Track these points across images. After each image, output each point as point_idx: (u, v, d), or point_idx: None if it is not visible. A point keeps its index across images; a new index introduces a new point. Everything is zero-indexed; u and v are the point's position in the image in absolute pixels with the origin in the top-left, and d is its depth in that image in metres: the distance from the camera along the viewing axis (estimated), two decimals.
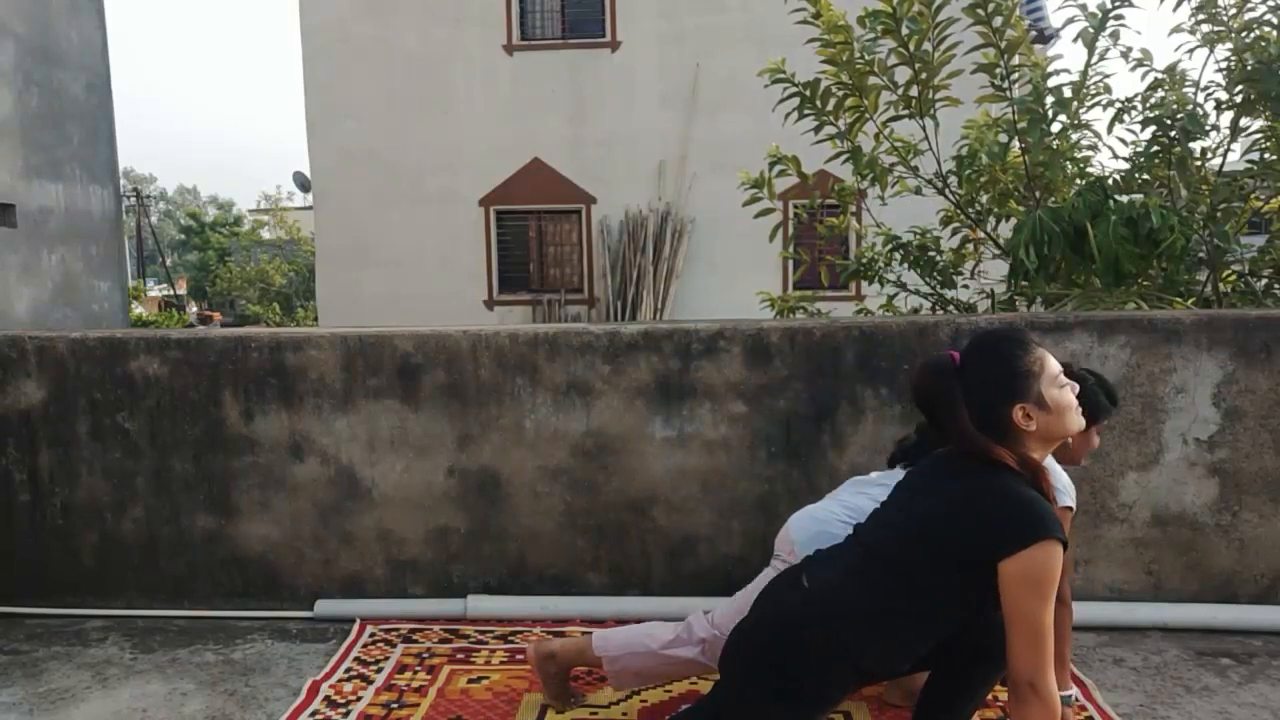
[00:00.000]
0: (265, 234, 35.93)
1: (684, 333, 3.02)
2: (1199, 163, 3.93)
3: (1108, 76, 3.89)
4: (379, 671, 2.70)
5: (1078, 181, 4.04)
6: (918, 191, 4.30)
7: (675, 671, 2.39)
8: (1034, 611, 1.74)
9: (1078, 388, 1.91)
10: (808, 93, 4.12)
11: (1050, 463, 2.12)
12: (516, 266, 13.14)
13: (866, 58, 3.96)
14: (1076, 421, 1.89)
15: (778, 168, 4.40)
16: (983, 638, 1.95)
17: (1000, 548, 1.75)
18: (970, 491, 1.84)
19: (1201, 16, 3.82)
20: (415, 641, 2.90)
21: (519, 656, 2.78)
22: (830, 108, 4.13)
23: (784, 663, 1.88)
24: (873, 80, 4.01)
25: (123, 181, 15.77)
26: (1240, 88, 3.74)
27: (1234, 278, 4.04)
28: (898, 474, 2.15)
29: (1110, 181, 3.86)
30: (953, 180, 4.22)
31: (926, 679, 2.11)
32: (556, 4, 12.81)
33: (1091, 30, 3.73)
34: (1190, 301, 3.84)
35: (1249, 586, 2.97)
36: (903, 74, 4.02)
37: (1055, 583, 1.75)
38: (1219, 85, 3.82)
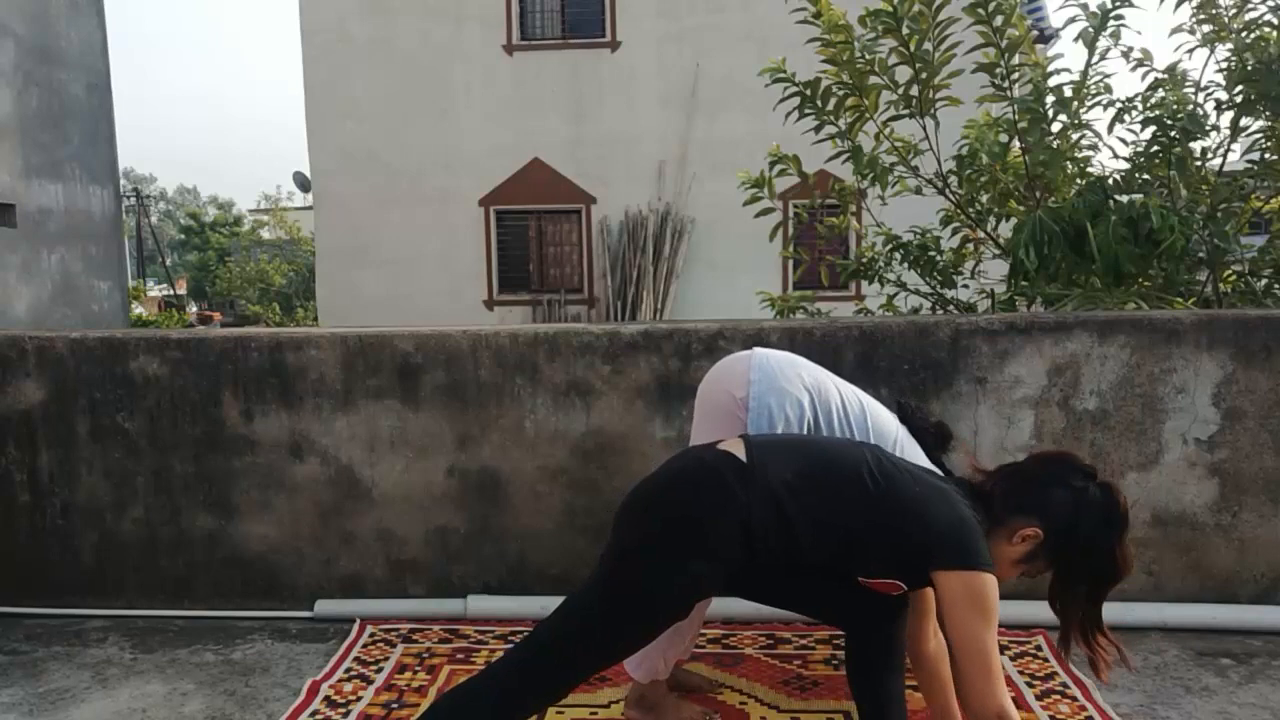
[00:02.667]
0: (265, 234, 35.92)
1: (684, 333, 3.02)
2: (1199, 163, 3.93)
3: (1108, 76, 3.89)
4: (379, 671, 2.70)
5: (1078, 181, 4.03)
6: (918, 191, 4.30)
7: (688, 630, 2.33)
8: (979, 634, 1.77)
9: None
10: (808, 92, 4.11)
11: None
12: (516, 266, 13.15)
13: (867, 57, 3.95)
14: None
15: (778, 167, 4.40)
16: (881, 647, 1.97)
17: (941, 556, 1.80)
18: (937, 495, 1.88)
19: (1201, 16, 3.82)
20: (415, 641, 2.90)
21: None
22: (830, 107, 4.13)
23: (678, 499, 1.86)
24: (873, 80, 4.00)
25: (123, 181, 15.77)
26: (1240, 88, 3.74)
27: (1234, 278, 4.04)
28: (877, 405, 2.20)
29: (1110, 181, 3.86)
30: (953, 180, 4.22)
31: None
32: (556, 4, 12.82)
33: (1092, 30, 3.73)
34: (1190, 301, 3.84)
35: (1249, 586, 2.97)
36: (903, 74, 4.02)
37: (995, 612, 1.80)
38: (1219, 85, 3.82)
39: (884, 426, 2.19)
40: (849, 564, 1.91)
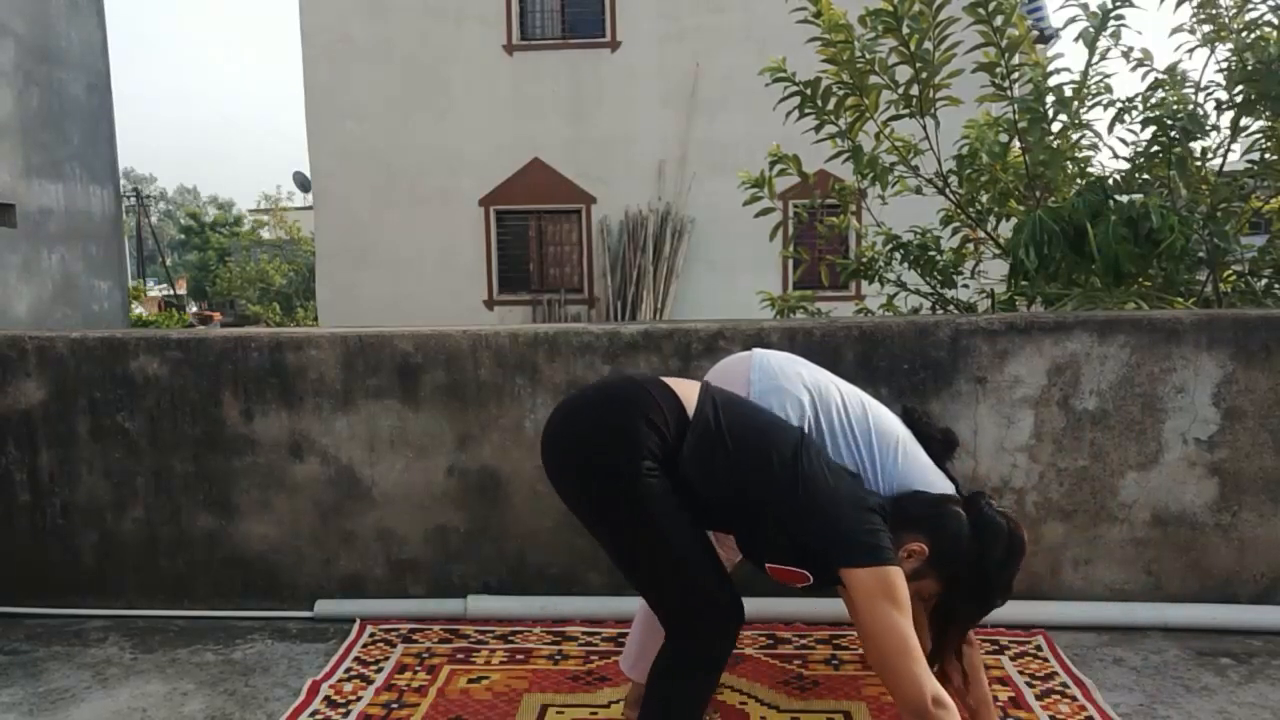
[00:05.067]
0: (265, 234, 35.90)
1: (684, 333, 3.02)
2: (1199, 163, 3.93)
3: (1108, 76, 3.89)
4: (379, 671, 2.70)
5: (1078, 181, 4.03)
6: (918, 191, 4.30)
7: None
8: (898, 624, 1.80)
9: None
10: (808, 92, 4.11)
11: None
12: (516, 266, 13.14)
13: (867, 57, 3.95)
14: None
15: (778, 167, 4.39)
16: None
17: (850, 554, 1.84)
18: (850, 496, 1.93)
19: (1201, 16, 3.81)
20: (415, 641, 2.90)
21: (519, 656, 2.78)
22: (831, 107, 4.13)
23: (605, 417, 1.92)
24: (873, 79, 4.00)
25: (123, 181, 15.77)
26: (1240, 88, 3.74)
27: (1234, 278, 4.04)
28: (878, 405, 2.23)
29: (1110, 181, 3.86)
30: (953, 180, 4.22)
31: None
32: (556, 4, 12.81)
33: (1092, 30, 3.72)
34: (1190, 301, 3.84)
35: (1249, 586, 2.97)
36: (903, 73, 4.01)
37: (908, 603, 1.83)
38: (1219, 85, 3.82)
39: (886, 428, 2.19)
40: (746, 529, 1.96)
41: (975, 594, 2.03)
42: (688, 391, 1.97)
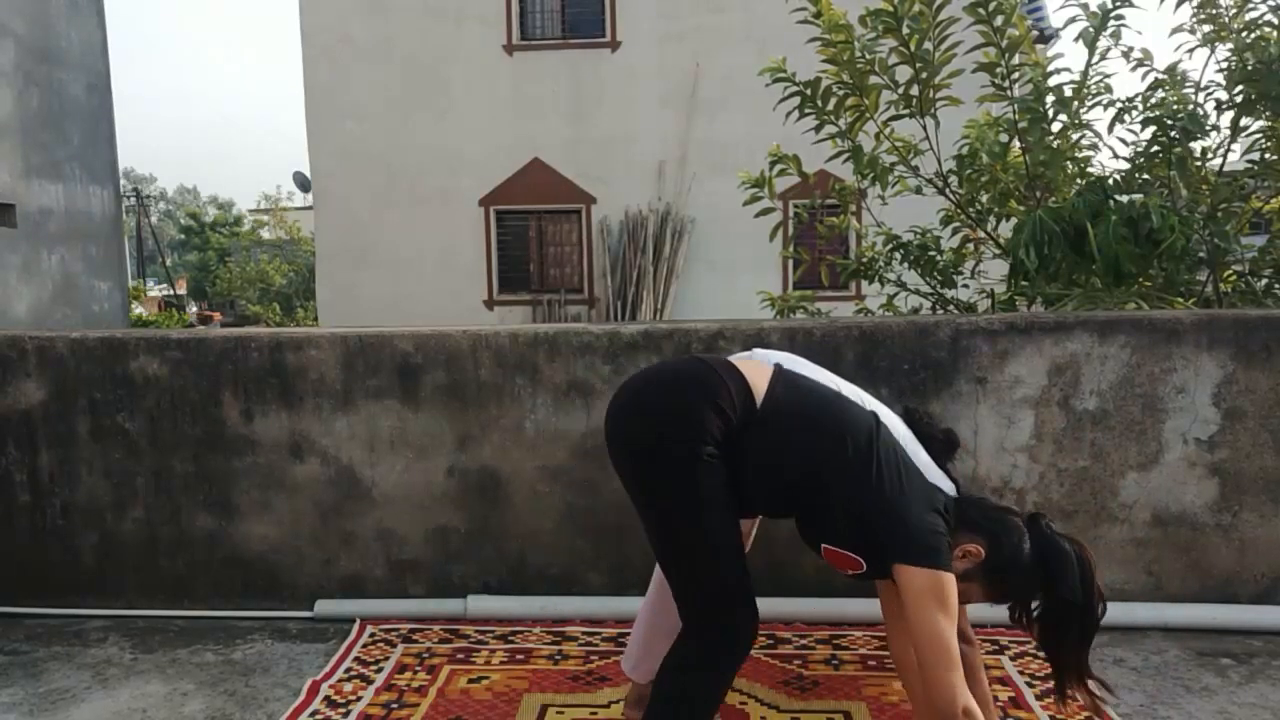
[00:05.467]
0: (265, 234, 35.89)
1: (684, 333, 3.02)
2: (1199, 163, 3.93)
3: (1108, 76, 3.89)
4: (379, 671, 2.70)
5: (1078, 181, 4.03)
6: (918, 191, 4.30)
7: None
8: (944, 629, 1.81)
9: None
10: (808, 92, 4.11)
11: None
12: (516, 266, 13.14)
13: (867, 57, 3.95)
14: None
15: (778, 167, 4.39)
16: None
17: (909, 552, 1.85)
18: (919, 494, 1.94)
19: (1202, 16, 3.81)
20: (415, 641, 2.90)
21: (519, 656, 2.78)
22: (831, 107, 4.13)
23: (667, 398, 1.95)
24: (873, 79, 4.00)
25: (123, 181, 15.77)
26: (1240, 88, 3.74)
27: (1234, 278, 4.04)
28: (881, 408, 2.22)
29: (1110, 181, 3.85)
30: (953, 180, 4.22)
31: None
32: (556, 4, 12.81)
33: (1092, 30, 3.72)
34: (1190, 301, 3.84)
35: (1249, 586, 2.97)
36: (903, 73, 4.01)
37: (955, 610, 1.84)
38: (1219, 85, 3.82)
39: (889, 428, 2.19)
40: (810, 511, 1.97)
41: (1076, 618, 1.98)
42: (756, 375, 1.98)
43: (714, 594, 1.93)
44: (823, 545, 1.97)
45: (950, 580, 1.84)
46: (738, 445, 1.91)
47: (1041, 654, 2.69)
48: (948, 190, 4.26)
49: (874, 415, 2.02)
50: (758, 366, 2.03)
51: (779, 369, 2.04)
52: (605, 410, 2.06)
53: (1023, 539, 1.96)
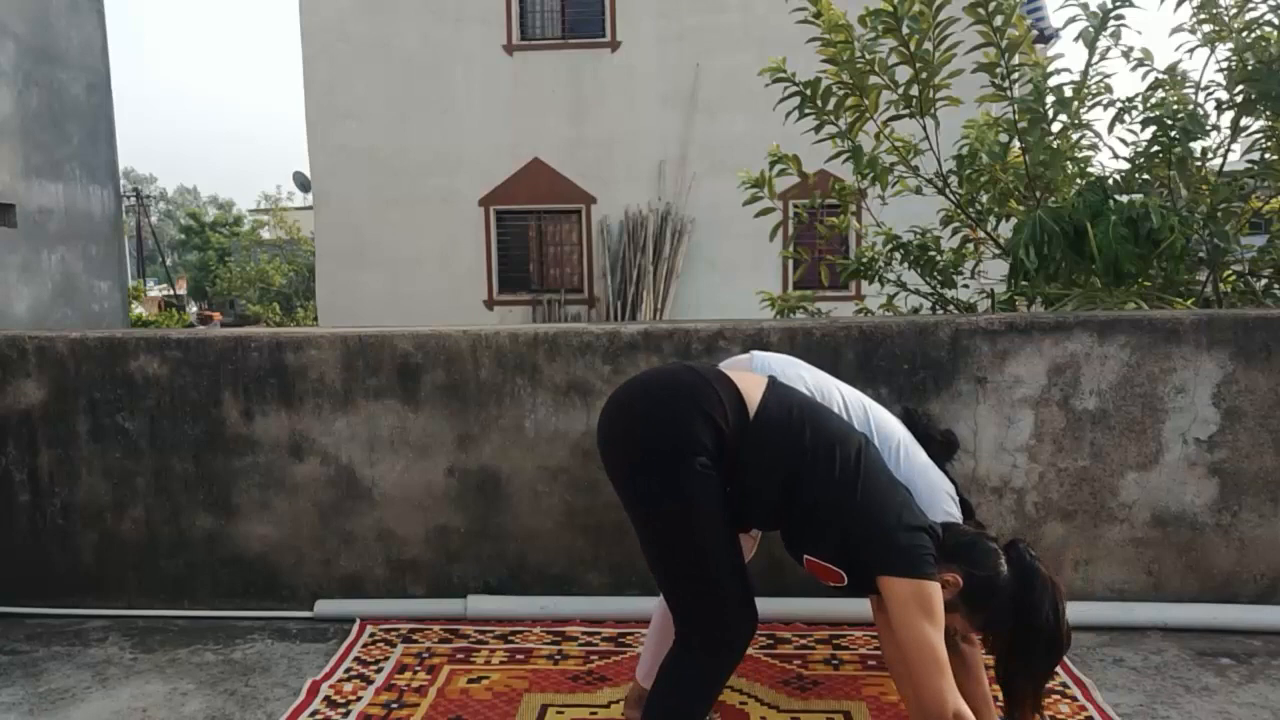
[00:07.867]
0: (265, 234, 35.87)
1: (684, 333, 3.02)
2: (1199, 163, 3.93)
3: (1108, 76, 3.89)
4: (379, 671, 2.70)
5: (1078, 181, 4.03)
6: (918, 191, 4.30)
7: None
8: (931, 637, 1.82)
9: None
10: (808, 92, 4.11)
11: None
12: (516, 266, 13.14)
13: (867, 57, 3.95)
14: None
15: (778, 167, 4.39)
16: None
17: (893, 563, 1.86)
18: (904, 506, 1.95)
19: (1202, 16, 3.81)
20: (415, 641, 2.90)
21: (519, 656, 2.78)
22: (831, 107, 4.13)
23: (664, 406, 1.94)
24: (873, 79, 4.00)
25: (123, 181, 15.77)
26: (1240, 88, 3.74)
27: (1234, 278, 4.03)
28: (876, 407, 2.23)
29: (1110, 181, 3.85)
30: (953, 180, 4.22)
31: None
32: (556, 4, 12.81)
33: (1092, 30, 3.72)
34: (1190, 301, 3.84)
35: (1249, 586, 2.97)
36: (903, 73, 4.01)
37: (943, 618, 1.85)
38: (1219, 85, 3.82)
39: (888, 431, 2.19)
40: (794, 522, 1.96)
41: (1043, 648, 2.00)
42: (750, 385, 1.97)
43: (708, 607, 1.91)
44: (805, 556, 1.97)
45: (935, 588, 1.85)
46: (734, 457, 1.90)
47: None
48: (948, 190, 4.26)
49: (863, 436, 2.03)
50: (752, 377, 2.03)
51: (773, 381, 2.04)
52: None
53: (999, 563, 1.96)
